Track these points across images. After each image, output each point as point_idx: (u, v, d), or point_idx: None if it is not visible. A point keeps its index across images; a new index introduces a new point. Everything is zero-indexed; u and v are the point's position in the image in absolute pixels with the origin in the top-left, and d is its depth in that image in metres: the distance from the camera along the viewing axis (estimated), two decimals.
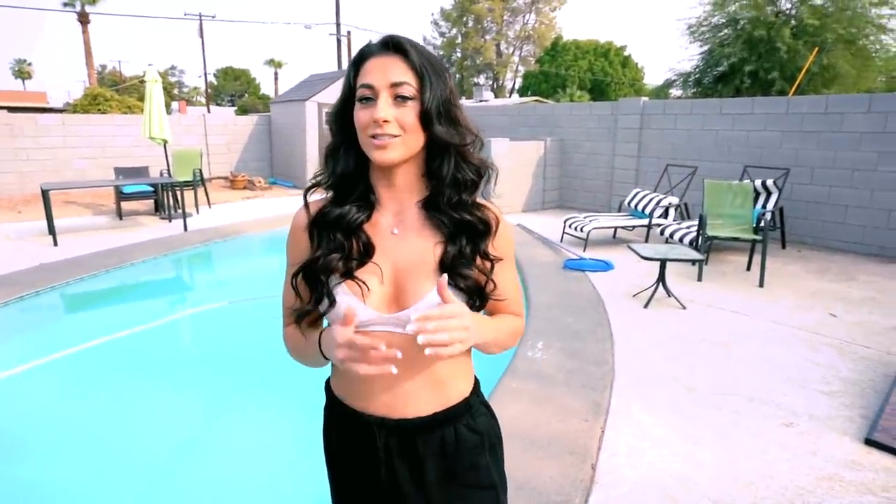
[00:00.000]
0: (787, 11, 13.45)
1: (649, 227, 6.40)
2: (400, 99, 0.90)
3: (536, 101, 23.64)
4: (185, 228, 6.91)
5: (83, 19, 23.96)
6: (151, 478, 2.50)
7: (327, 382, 1.09)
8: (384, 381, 0.96)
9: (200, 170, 8.64)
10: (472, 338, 0.87)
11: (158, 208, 8.12)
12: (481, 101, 19.09)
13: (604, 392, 2.95)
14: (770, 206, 6.00)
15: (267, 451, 2.73)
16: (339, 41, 20.85)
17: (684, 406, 2.86)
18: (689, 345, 3.64)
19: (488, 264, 0.98)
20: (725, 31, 13.96)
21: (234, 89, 48.97)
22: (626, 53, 30.15)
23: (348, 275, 0.94)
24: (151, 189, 8.01)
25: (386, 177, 0.98)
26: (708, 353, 3.51)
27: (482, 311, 1.02)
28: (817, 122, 6.39)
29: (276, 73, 35.77)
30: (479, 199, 1.00)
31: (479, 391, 1.09)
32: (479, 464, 1.02)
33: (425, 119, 0.91)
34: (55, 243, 6.09)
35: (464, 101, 19.02)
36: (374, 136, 0.90)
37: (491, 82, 36.17)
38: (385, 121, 0.88)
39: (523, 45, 36.69)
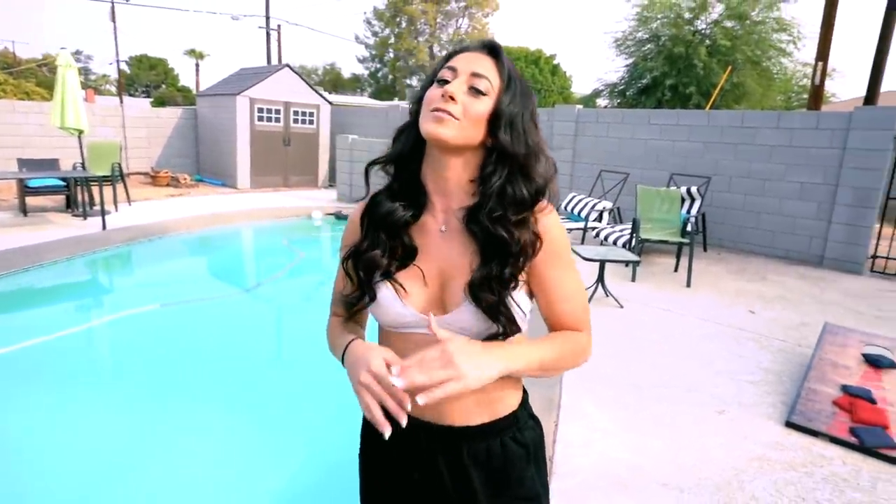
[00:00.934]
0: (703, 31, 14.47)
1: (585, 230, 6.70)
2: (474, 91, 0.89)
3: None
4: (104, 227, 6.41)
5: None
6: (70, 499, 2.29)
7: None
8: None
9: (119, 164, 8.09)
10: (474, 374, 0.79)
11: (71, 205, 7.48)
12: None
13: (554, 388, 3.09)
14: (694, 211, 6.46)
15: (203, 463, 2.58)
16: (268, 34, 20.17)
17: (629, 399, 3.05)
18: (628, 342, 3.86)
19: (521, 290, 0.92)
20: (649, 45, 14.81)
21: (149, 79, 45.83)
22: (555, 62, 31.16)
23: (388, 275, 0.94)
24: (63, 183, 7.36)
25: (437, 170, 0.95)
26: (646, 349, 3.74)
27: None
28: (734, 135, 6.95)
29: (197, 65, 33.82)
30: (542, 206, 0.94)
31: (528, 404, 1.07)
32: (525, 476, 1.01)
33: (494, 120, 0.90)
34: None
35: (398, 102, 18.98)
36: (434, 111, 0.88)
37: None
38: (451, 97, 0.87)
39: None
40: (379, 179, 1.03)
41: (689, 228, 5.66)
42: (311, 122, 11.87)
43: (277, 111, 11.31)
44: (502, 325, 0.89)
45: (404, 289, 0.93)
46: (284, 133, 11.52)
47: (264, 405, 3.12)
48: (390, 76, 37.22)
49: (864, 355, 3.32)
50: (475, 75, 0.89)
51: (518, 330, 0.92)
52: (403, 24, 34.79)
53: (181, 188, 10.61)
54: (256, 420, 2.96)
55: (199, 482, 2.44)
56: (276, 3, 34.71)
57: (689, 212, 6.47)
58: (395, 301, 0.93)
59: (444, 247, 0.95)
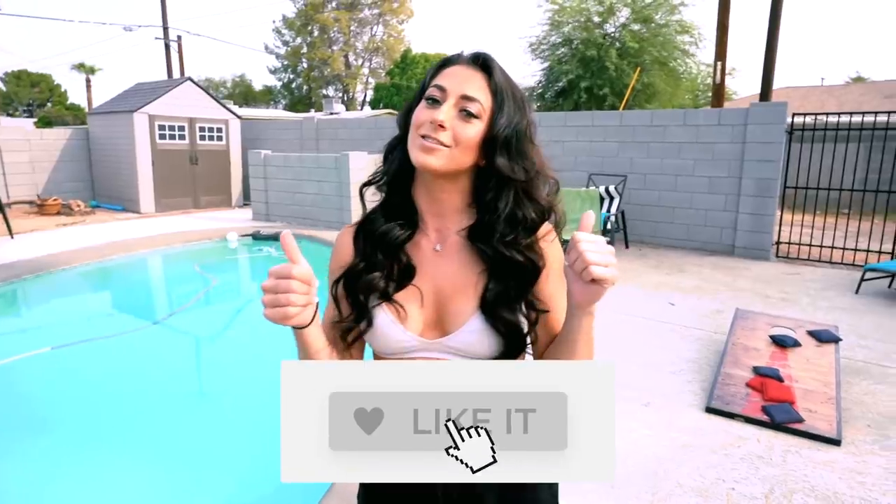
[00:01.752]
0: (613, 34, 15.16)
1: None
2: (464, 114, 0.86)
3: (389, 113, 23.91)
4: None
5: None
6: None
7: None
8: None
9: None
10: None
11: None
12: (332, 113, 18.78)
13: None
14: (613, 209, 6.72)
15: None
16: (167, 46, 19.16)
17: None
18: None
19: (533, 315, 0.90)
20: (562, 49, 15.34)
21: (31, 97, 42.05)
22: None
23: (386, 296, 0.90)
24: None
25: (429, 192, 0.93)
26: None
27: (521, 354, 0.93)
28: (646, 134, 7.30)
29: (88, 80, 31.39)
30: (545, 230, 0.93)
31: (556, 490, 1.04)
32: (540, 498, 0.99)
33: (488, 145, 0.87)
34: None
35: (314, 114, 18.55)
36: (423, 137, 0.86)
37: (341, 94, 35.64)
38: (441, 125, 0.84)
39: (372, 57, 36.75)
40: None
41: (609, 227, 5.88)
42: (219, 138, 11.35)
43: (181, 128, 10.72)
44: (515, 345, 0.88)
45: (404, 310, 0.90)
46: (191, 151, 10.93)
47: (179, 443, 2.94)
48: (305, 87, 36.40)
49: (772, 336, 3.54)
50: (465, 98, 0.86)
51: (523, 351, 0.90)
52: (316, 33, 34.17)
53: (75, 216, 9.79)
54: (173, 460, 2.79)
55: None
56: (176, 13, 33.08)
57: (608, 210, 6.72)
58: (393, 325, 0.90)
59: (440, 266, 0.92)
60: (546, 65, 15.87)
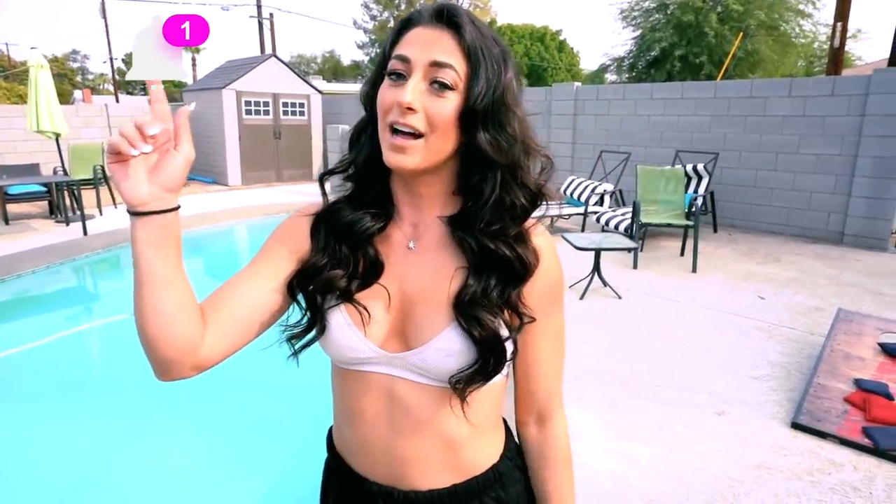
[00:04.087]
0: None
1: (585, 214, 6.42)
2: (436, 86, 0.70)
3: None
4: (85, 232, 6.27)
5: None
6: None
7: (329, 432, 0.91)
8: (386, 444, 0.78)
9: (103, 166, 7.89)
10: None
11: (53, 210, 7.32)
12: None
13: None
14: (701, 190, 6.13)
15: (181, 477, 2.50)
16: (260, 24, 19.88)
17: (619, 400, 2.83)
18: (624, 336, 3.62)
19: (516, 321, 0.76)
20: (656, 15, 14.29)
21: None
22: (561, 38, 30.45)
23: (346, 296, 0.76)
24: (44, 189, 7.19)
25: (407, 185, 0.79)
26: (642, 344, 3.50)
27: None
28: (743, 106, 6.57)
29: (193, 59, 33.40)
30: (530, 224, 0.78)
31: (513, 453, 0.88)
32: None
33: (467, 119, 0.71)
34: None
35: None
36: (393, 129, 0.71)
37: None
38: (410, 108, 0.69)
39: None
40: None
41: (694, 209, 5.35)
42: (301, 113, 11.59)
43: (266, 103, 11.04)
44: (492, 356, 0.72)
45: (367, 312, 0.76)
46: (275, 126, 11.24)
47: (242, 416, 3.00)
48: None
49: (881, 345, 3.03)
50: (435, 65, 0.70)
51: (501, 366, 0.75)
52: (402, 6, 34.29)
53: None
54: (235, 430, 2.86)
55: (171, 494, 2.37)
56: None
57: (695, 191, 6.14)
58: (349, 329, 0.76)
59: (411, 267, 0.78)
60: (637, 33, 14.89)
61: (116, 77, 28.62)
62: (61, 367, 3.59)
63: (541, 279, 0.77)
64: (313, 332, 0.78)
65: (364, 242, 0.78)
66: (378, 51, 0.78)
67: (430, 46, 0.70)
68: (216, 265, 6.48)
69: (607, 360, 3.26)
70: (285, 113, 11.33)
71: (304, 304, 0.78)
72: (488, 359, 0.72)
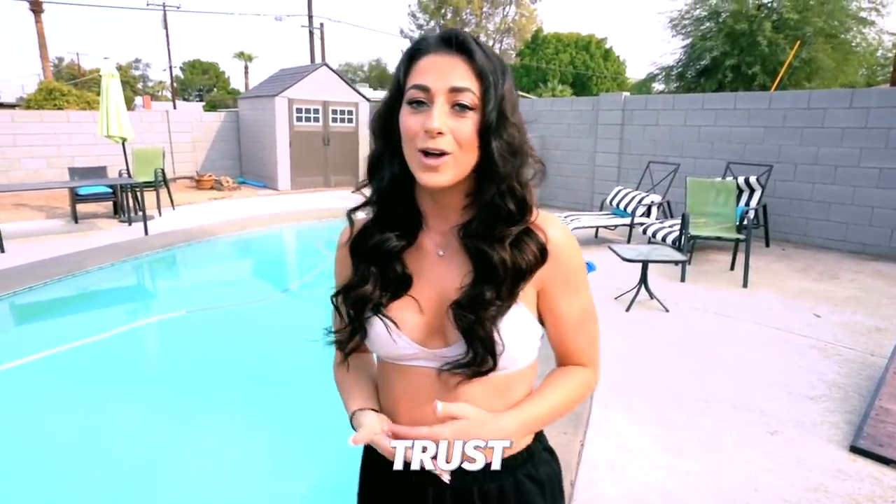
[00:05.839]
0: (768, 4, 13.47)
1: (632, 226, 6.33)
2: (458, 108, 0.77)
3: (521, 96, 23.48)
4: (146, 232, 6.61)
5: (36, 8, 22.84)
6: (104, 502, 2.36)
7: None
8: (428, 418, 0.85)
9: (163, 169, 8.30)
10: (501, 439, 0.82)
11: (118, 211, 7.75)
12: None
13: (584, 402, 2.86)
14: (753, 203, 5.97)
15: (232, 473, 2.59)
16: (311, 34, 20.42)
17: (668, 414, 2.79)
18: (672, 349, 3.56)
19: (526, 312, 0.85)
20: (707, 24, 13.95)
21: (202, 83, 47.08)
22: (607, 46, 30.06)
23: (379, 308, 0.86)
24: (110, 190, 7.61)
25: (434, 198, 0.87)
26: (692, 358, 3.43)
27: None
28: (800, 118, 6.37)
29: (246, 67, 34.62)
30: (535, 215, 0.87)
31: (543, 436, 1.00)
32: None
33: (485, 133, 0.79)
34: (2, 249, 5.71)
35: None
36: (424, 152, 0.78)
37: None
38: (440, 132, 0.76)
39: (504, 38, 36.47)
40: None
41: (746, 222, 5.21)
42: (350, 120, 11.84)
43: (316, 111, 11.31)
44: (476, 352, 0.81)
45: (395, 324, 0.86)
46: (324, 132, 11.51)
47: (277, 409, 3.10)
48: None
49: None
50: (455, 90, 0.77)
51: (493, 364, 0.82)
52: (448, 16, 34.59)
53: (224, 191, 10.78)
54: (278, 421, 2.95)
55: (224, 488, 2.45)
56: (318, 2, 35.26)
57: (747, 204, 5.97)
58: (387, 334, 0.86)
59: (443, 271, 0.87)
60: (687, 41, 14.58)
61: (174, 84, 29.88)
62: (122, 361, 3.78)
63: (556, 266, 0.85)
64: (359, 338, 0.90)
65: (392, 259, 0.86)
66: (395, 77, 0.86)
67: (446, 73, 0.77)
68: (265, 268, 6.67)
69: (655, 374, 3.21)
70: (334, 120, 11.61)
71: (346, 316, 0.90)
72: (476, 353, 0.81)
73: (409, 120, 0.79)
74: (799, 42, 11.15)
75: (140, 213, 7.04)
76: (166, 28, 27.38)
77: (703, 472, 2.33)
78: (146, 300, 5.24)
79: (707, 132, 7.17)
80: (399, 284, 0.87)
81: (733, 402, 2.89)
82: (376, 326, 0.86)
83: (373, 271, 0.86)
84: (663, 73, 15.50)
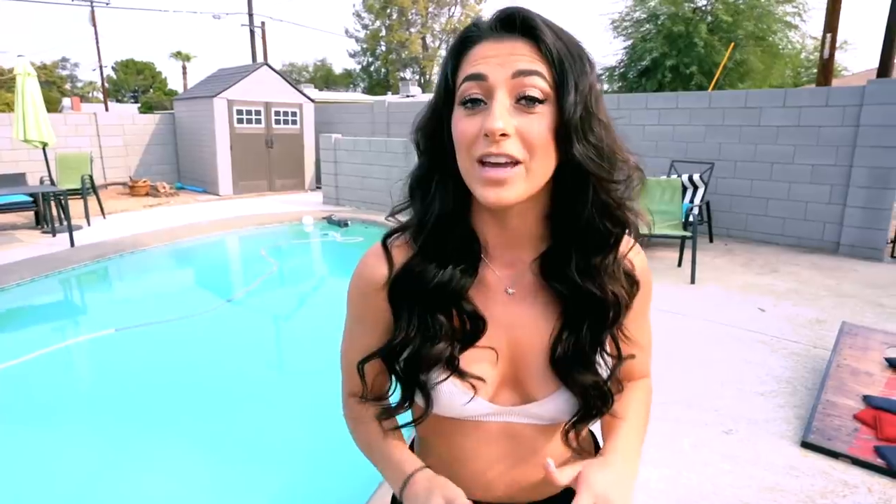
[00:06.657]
0: (703, 7, 13.97)
1: None
2: (524, 102, 0.60)
3: None
4: (72, 243, 6.10)
5: None
6: None
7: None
8: (503, 474, 0.78)
9: (91, 176, 7.75)
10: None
11: (40, 221, 7.16)
12: (408, 95, 18.51)
13: None
14: (697, 200, 6.11)
15: (173, 495, 2.39)
16: (252, 32, 19.81)
17: None
18: None
19: (614, 356, 0.74)
20: (647, 26, 14.35)
21: (137, 84, 44.86)
22: None
23: (451, 364, 0.69)
24: (30, 199, 7.01)
25: (498, 220, 0.70)
26: None
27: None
28: (737, 117, 6.57)
29: (184, 67, 33.15)
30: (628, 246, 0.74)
31: None
32: None
33: (563, 133, 0.61)
34: None
35: (385, 97, 18.33)
36: (483, 162, 0.61)
37: (418, 77, 35.71)
38: (503, 134, 0.59)
39: (450, 39, 36.59)
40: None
41: (691, 219, 5.31)
42: (294, 122, 11.45)
43: (258, 112, 10.89)
44: (592, 406, 0.72)
45: (476, 377, 0.71)
46: (266, 135, 11.10)
47: (219, 428, 2.87)
48: (383, 70, 36.73)
49: (888, 359, 2.98)
50: (520, 74, 0.60)
51: (610, 406, 0.75)
52: (394, 16, 34.37)
53: (160, 197, 10.20)
54: (221, 442, 2.73)
55: None
56: (259, 0, 34.27)
57: (691, 201, 6.11)
58: (459, 396, 0.71)
59: (515, 312, 0.72)
60: (629, 43, 14.94)
61: (106, 85, 28.32)
62: (48, 384, 3.46)
63: (641, 295, 0.77)
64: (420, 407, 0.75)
65: (459, 301, 0.70)
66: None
67: (506, 58, 0.61)
68: (206, 278, 6.32)
69: None
70: (277, 122, 11.20)
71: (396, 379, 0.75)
72: (591, 406, 0.72)
73: (462, 123, 0.62)
74: (732, 44, 11.60)
75: (65, 224, 6.53)
76: (94, 25, 25.84)
77: (662, 479, 2.29)
78: (72, 318, 4.84)
79: (651, 131, 7.31)
80: (472, 332, 0.70)
81: (688, 402, 2.89)
82: (443, 390, 0.71)
83: (440, 321, 0.69)
84: (606, 74, 15.84)
